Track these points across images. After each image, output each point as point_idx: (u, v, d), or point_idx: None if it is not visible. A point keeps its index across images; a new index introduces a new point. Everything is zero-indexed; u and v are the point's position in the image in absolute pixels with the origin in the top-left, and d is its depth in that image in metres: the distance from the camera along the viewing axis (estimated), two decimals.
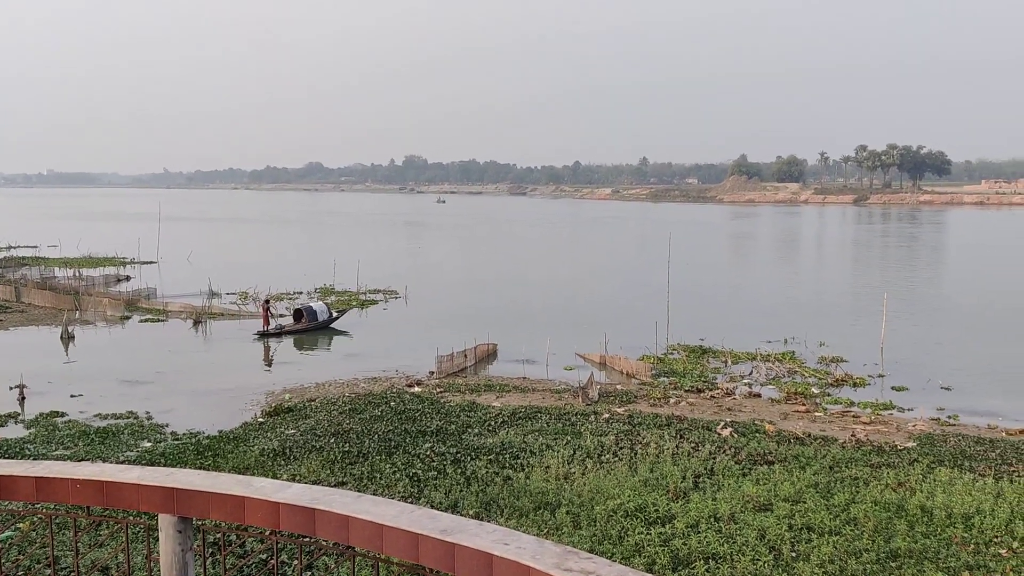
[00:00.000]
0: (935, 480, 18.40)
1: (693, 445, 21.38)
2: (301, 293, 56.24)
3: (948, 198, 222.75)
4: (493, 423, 24.56)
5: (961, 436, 24.10)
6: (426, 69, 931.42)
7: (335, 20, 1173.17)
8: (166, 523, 3.24)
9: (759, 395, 30.12)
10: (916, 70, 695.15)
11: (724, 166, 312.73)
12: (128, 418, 26.57)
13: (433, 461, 20.28)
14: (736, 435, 23.07)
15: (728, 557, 14.06)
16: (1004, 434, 24.82)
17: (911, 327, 43.37)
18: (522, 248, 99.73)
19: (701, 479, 18.54)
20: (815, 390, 30.63)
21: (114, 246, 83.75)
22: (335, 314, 45.69)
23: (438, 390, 30.06)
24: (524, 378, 32.70)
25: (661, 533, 15.06)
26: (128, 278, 65.70)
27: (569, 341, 38.25)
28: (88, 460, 21.61)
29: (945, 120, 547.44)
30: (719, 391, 30.29)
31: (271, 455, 21.21)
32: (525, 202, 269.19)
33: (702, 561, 13.86)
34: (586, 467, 19.39)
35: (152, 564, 3.46)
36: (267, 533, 3.28)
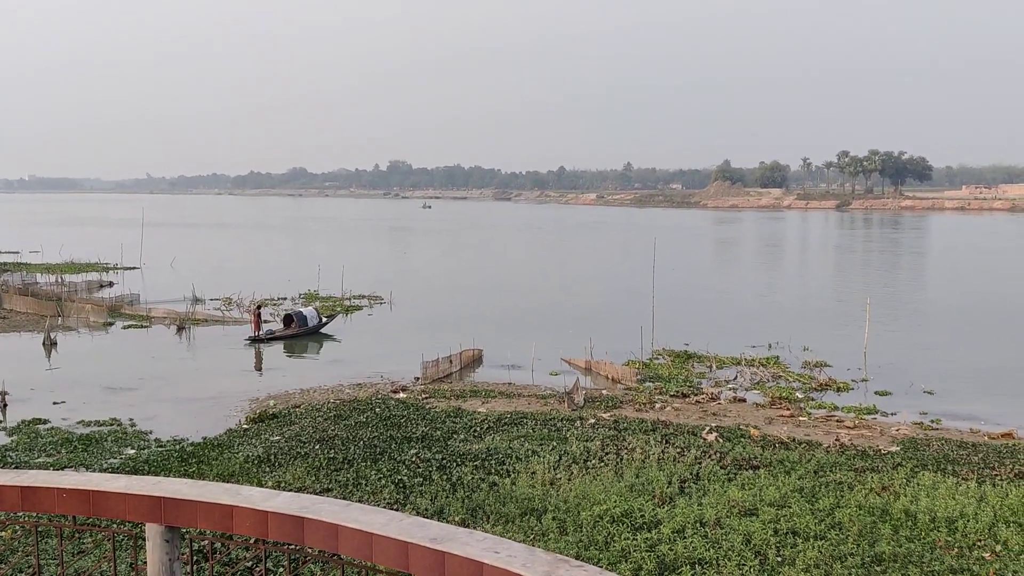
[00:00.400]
0: (919, 484, 18.49)
1: (679, 450, 21.41)
2: (286, 299, 56.04)
3: (929, 203, 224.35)
4: (479, 429, 24.52)
5: (944, 440, 24.23)
6: (411, 75, 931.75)
7: (320, 25, 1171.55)
8: (153, 532, 3.22)
9: (744, 400, 30.21)
10: (898, 77, 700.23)
11: (708, 171, 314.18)
12: (111, 425, 26.36)
13: (419, 467, 20.23)
14: (721, 440, 23.11)
15: (714, 562, 14.08)
16: (986, 438, 24.97)
17: (894, 332, 43.60)
18: (507, 253, 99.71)
19: (687, 484, 18.57)
20: (799, 395, 30.74)
21: (97, 252, 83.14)
22: (324, 319, 45.66)
23: (423, 396, 30.00)
24: (510, 384, 32.69)
25: (647, 539, 15.06)
26: (111, 284, 65.24)
27: (554, 346, 38.26)
28: (71, 467, 21.46)
29: (926, 126, 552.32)
30: (704, 396, 30.36)
31: (256, 462, 21.10)
32: (510, 207, 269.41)
33: (688, 566, 13.87)
34: (572, 473, 19.38)
35: (137, 574, 3.44)
36: (251, 541, 3.27)
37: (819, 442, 23.64)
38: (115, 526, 3.71)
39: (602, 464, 20.11)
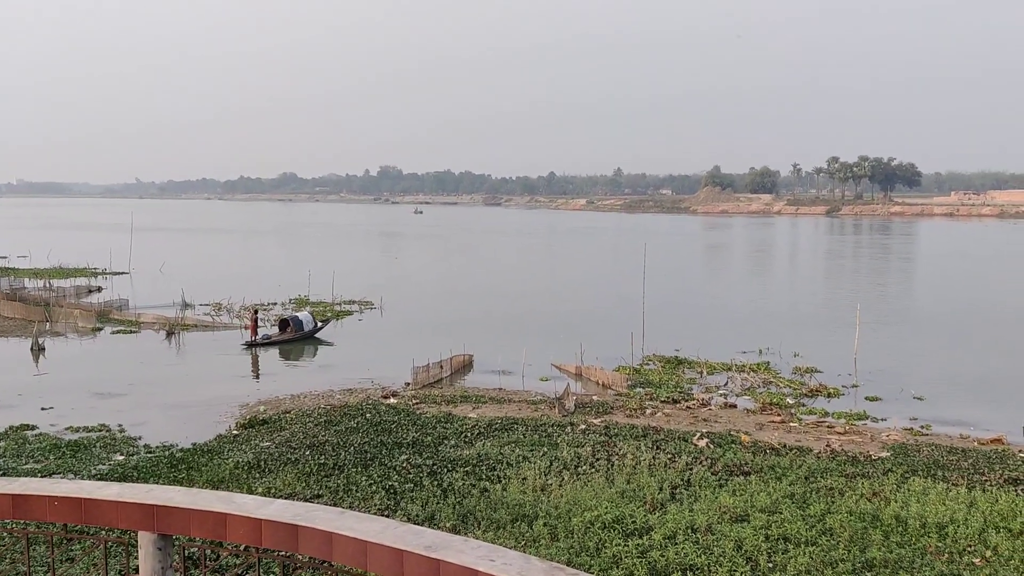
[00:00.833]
0: (909, 490, 18.53)
1: (670, 456, 21.41)
2: (276, 304, 55.91)
3: (919, 209, 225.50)
4: (469, 435, 24.48)
5: (934, 446, 24.31)
6: (401, 81, 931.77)
7: (311, 31, 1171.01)
8: (145, 540, 3.20)
9: (735, 406, 30.24)
10: (887, 83, 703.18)
11: (697, 177, 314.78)
12: (100, 431, 26.22)
13: (409, 473, 20.18)
14: (712, 446, 23.14)
15: (705, 568, 14.07)
16: (976, 444, 25.06)
17: (884, 337, 43.75)
18: (498, 258, 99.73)
19: (678, 490, 18.57)
20: (790, 401, 30.78)
21: (85, 257, 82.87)
22: (319, 324, 45.66)
23: (414, 401, 29.95)
24: (500, 389, 32.65)
25: (639, 545, 15.05)
26: (100, 289, 64.96)
27: (545, 352, 38.26)
28: (59, 474, 21.34)
29: (915, 133, 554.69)
30: (695, 402, 30.38)
31: (246, 468, 21.01)
32: (500, 212, 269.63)
33: (680, 572, 13.86)
34: (563, 479, 19.37)
35: None
36: (241, 549, 3.24)
37: (810, 448, 23.69)
38: (104, 533, 3.68)
39: (593, 470, 20.09)
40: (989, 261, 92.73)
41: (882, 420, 28.35)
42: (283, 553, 3.13)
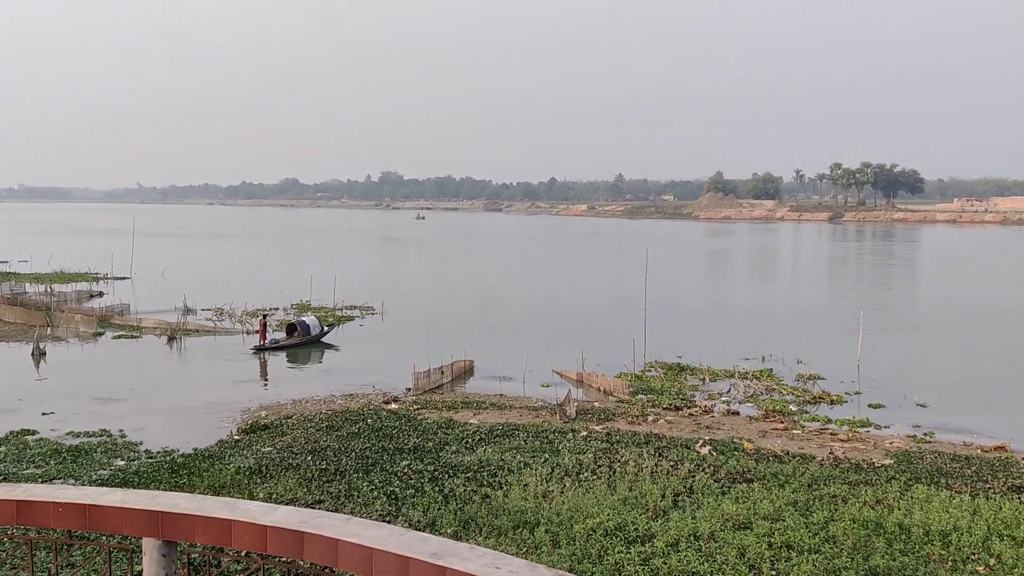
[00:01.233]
0: (912, 497, 18.49)
1: (672, 463, 21.36)
2: (278, 309, 55.88)
3: (921, 216, 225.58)
4: (471, 440, 24.44)
5: (937, 453, 24.25)
6: (402, 85, 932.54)
7: (310, 34, 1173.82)
8: (150, 547, 3.18)
9: (737, 413, 30.18)
10: (889, 90, 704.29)
11: (700, 183, 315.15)
12: (101, 436, 26.18)
13: (411, 479, 20.15)
14: (715, 453, 23.08)
15: None
16: (979, 451, 25.00)
17: (887, 344, 43.68)
18: (499, 264, 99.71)
19: (680, 497, 18.52)
20: (793, 408, 30.72)
21: (87, 261, 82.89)
22: (326, 328, 45.73)
23: (415, 407, 29.91)
24: (501, 395, 32.60)
25: (641, 552, 15.00)
26: (101, 294, 64.95)
27: (546, 358, 38.21)
28: (60, 479, 21.31)
29: (918, 139, 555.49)
30: (697, 409, 30.32)
31: (247, 473, 20.98)
32: (501, 218, 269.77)
33: None
34: (564, 485, 19.32)
35: None
36: (243, 555, 3.23)
37: (813, 455, 23.63)
38: (105, 539, 3.66)
39: (595, 477, 20.05)
40: (992, 268, 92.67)
41: (885, 427, 28.29)
42: (285, 560, 3.11)
